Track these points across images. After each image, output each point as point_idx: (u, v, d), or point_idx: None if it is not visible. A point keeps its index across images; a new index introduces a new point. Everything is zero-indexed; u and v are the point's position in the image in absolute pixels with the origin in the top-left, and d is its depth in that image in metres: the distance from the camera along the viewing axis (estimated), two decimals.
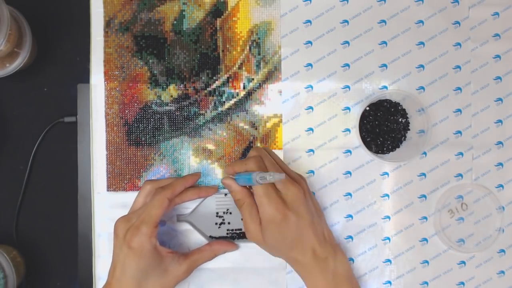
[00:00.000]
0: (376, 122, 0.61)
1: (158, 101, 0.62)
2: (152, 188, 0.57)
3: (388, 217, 0.63)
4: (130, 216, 0.55)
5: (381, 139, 0.62)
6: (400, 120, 0.62)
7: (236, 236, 0.62)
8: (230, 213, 0.61)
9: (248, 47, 0.63)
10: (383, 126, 0.61)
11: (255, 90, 0.63)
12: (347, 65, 0.63)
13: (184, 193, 0.57)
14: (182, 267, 0.55)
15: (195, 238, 0.62)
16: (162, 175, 0.62)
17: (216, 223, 0.61)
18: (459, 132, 0.63)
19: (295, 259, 0.55)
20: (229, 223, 0.61)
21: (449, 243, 0.62)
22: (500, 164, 0.63)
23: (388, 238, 0.63)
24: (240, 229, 0.62)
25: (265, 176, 0.49)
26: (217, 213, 0.61)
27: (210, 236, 0.61)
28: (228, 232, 0.62)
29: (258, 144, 0.62)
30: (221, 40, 0.63)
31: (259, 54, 0.63)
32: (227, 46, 0.63)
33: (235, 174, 0.56)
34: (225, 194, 0.61)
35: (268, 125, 0.63)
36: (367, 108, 0.61)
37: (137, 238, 0.52)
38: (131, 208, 0.57)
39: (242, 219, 0.56)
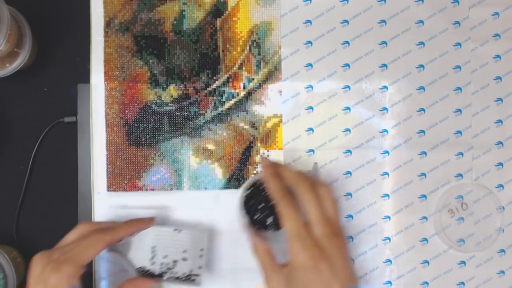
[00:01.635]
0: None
1: (158, 101, 0.62)
2: (87, 230, 0.51)
3: (388, 217, 0.63)
4: (53, 252, 0.49)
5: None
6: None
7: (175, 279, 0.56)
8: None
9: (248, 47, 0.63)
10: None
11: (255, 90, 0.63)
12: (347, 65, 0.63)
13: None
14: None
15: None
16: (162, 175, 0.62)
17: (152, 258, 0.55)
18: (459, 132, 0.63)
19: None
20: (165, 256, 0.55)
21: (449, 243, 0.62)
22: (500, 164, 0.63)
23: (388, 238, 0.63)
24: (186, 274, 0.56)
25: None
26: (154, 246, 0.55)
27: (139, 269, 0.55)
28: (162, 267, 0.55)
29: (258, 144, 0.62)
30: (221, 40, 0.63)
31: (259, 54, 0.63)
32: (227, 46, 0.63)
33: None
34: (175, 229, 0.56)
35: (268, 125, 0.63)
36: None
37: (57, 276, 0.46)
38: (56, 245, 0.51)
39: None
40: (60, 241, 0.52)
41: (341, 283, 0.46)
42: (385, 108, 0.63)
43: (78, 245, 0.49)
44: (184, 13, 0.62)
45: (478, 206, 0.63)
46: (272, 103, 0.63)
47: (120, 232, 0.52)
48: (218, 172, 0.62)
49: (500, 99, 0.64)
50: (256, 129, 0.63)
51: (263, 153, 0.62)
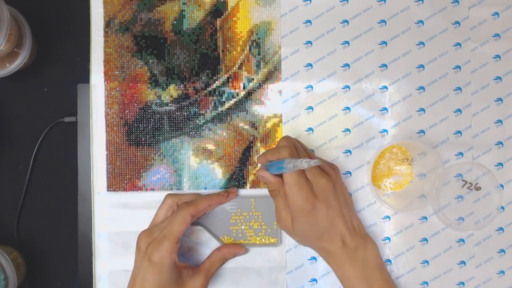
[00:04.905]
0: None
1: (158, 101, 0.62)
2: (173, 203, 0.57)
3: (388, 217, 0.63)
4: (153, 230, 0.55)
5: None
6: None
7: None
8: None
9: (248, 47, 0.63)
10: None
11: (255, 90, 0.63)
12: (347, 65, 0.63)
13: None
14: (197, 280, 0.55)
15: (207, 242, 0.62)
16: (162, 175, 0.62)
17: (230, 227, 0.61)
18: (459, 132, 0.63)
19: (324, 249, 0.55)
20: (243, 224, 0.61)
21: (447, 221, 0.62)
22: (500, 164, 0.63)
23: (388, 238, 0.63)
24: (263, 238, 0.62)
25: (298, 163, 0.49)
26: (231, 217, 0.61)
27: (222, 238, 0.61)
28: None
29: (258, 144, 0.62)
30: (221, 40, 0.63)
31: (259, 54, 0.63)
32: (227, 46, 0.63)
33: (267, 163, 0.55)
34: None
35: (268, 125, 0.63)
36: None
37: (158, 253, 0.52)
38: (152, 221, 0.57)
39: (275, 209, 0.56)
40: (154, 217, 0.57)
41: (344, 218, 0.54)
42: (385, 108, 0.63)
43: (170, 222, 0.54)
44: (184, 13, 0.62)
45: (478, 206, 0.63)
46: (272, 103, 0.63)
47: (202, 204, 0.57)
48: (218, 172, 0.62)
49: (500, 99, 0.64)
50: (256, 129, 0.63)
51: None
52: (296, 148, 0.55)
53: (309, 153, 0.57)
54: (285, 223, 0.55)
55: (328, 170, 0.56)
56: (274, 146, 0.61)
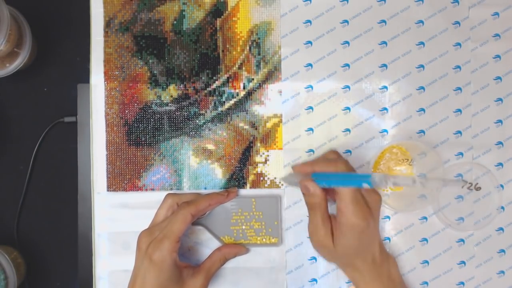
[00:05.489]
0: None
1: (158, 101, 0.62)
2: (174, 202, 0.57)
3: (388, 217, 0.63)
4: (153, 229, 0.55)
5: None
6: None
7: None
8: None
9: (248, 47, 0.63)
10: None
11: (255, 90, 0.63)
12: (347, 65, 0.63)
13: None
14: (198, 280, 0.55)
15: (207, 242, 0.62)
16: (162, 175, 0.62)
17: (231, 227, 0.61)
18: (459, 132, 0.63)
19: (355, 266, 0.54)
20: (243, 224, 0.61)
21: (447, 221, 0.62)
22: (500, 164, 0.63)
23: (388, 238, 0.63)
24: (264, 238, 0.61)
25: (409, 181, 0.45)
26: (232, 216, 0.61)
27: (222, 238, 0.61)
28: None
29: (258, 144, 0.62)
30: (221, 40, 0.63)
31: (259, 54, 0.63)
32: (227, 46, 0.63)
33: (311, 173, 0.53)
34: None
35: (268, 125, 0.63)
36: None
37: (159, 252, 0.52)
38: (152, 220, 0.58)
39: (310, 222, 0.54)
40: (154, 217, 0.57)
41: (378, 236, 0.55)
42: (385, 108, 0.63)
43: (171, 222, 0.54)
44: (184, 13, 0.62)
45: (478, 206, 0.63)
46: (272, 103, 0.63)
47: (202, 204, 0.57)
48: (218, 172, 0.62)
49: (500, 99, 0.64)
50: (256, 129, 0.63)
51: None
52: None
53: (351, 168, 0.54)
54: (323, 240, 0.52)
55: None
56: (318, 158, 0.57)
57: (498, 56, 0.64)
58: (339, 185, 0.51)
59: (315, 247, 0.55)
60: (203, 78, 0.62)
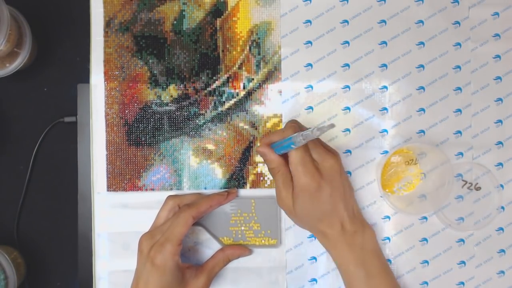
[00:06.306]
0: None
1: (158, 101, 0.62)
2: (175, 204, 0.58)
3: (388, 217, 0.63)
4: (154, 232, 0.55)
5: None
6: None
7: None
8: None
9: (248, 47, 0.63)
10: None
11: (255, 90, 0.63)
12: (347, 65, 0.63)
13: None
14: (200, 280, 0.56)
15: (207, 242, 0.62)
16: (162, 175, 0.62)
17: (230, 228, 0.61)
18: (459, 132, 0.63)
19: (323, 232, 0.55)
20: (242, 225, 0.61)
21: (447, 221, 0.61)
22: (500, 164, 0.63)
23: (388, 238, 0.63)
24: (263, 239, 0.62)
25: (309, 132, 0.47)
26: (231, 217, 0.61)
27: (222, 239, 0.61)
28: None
29: (258, 144, 0.62)
30: (221, 40, 0.63)
31: (259, 54, 0.63)
32: (227, 46, 0.63)
33: (270, 144, 0.54)
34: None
35: (268, 125, 0.63)
36: None
37: (161, 256, 0.52)
38: (153, 223, 0.58)
39: (275, 187, 0.55)
40: (156, 219, 0.58)
41: (345, 202, 0.54)
42: (385, 108, 0.63)
43: (172, 224, 0.54)
44: (184, 13, 0.62)
45: (478, 206, 0.63)
46: (272, 103, 0.63)
47: (203, 206, 0.57)
48: (218, 172, 0.62)
49: (500, 99, 0.64)
50: (256, 129, 0.63)
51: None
52: (301, 128, 0.54)
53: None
54: (285, 201, 0.54)
55: (334, 152, 0.55)
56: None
57: (498, 56, 0.64)
58: (283, 151, 0.52)
59: (284, 211, 0.56)
60: (203, 78, 0.62)
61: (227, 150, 0.63)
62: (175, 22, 0.62)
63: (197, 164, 0.62)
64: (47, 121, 0.62)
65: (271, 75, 0.63)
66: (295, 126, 0.53)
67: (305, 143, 0.49)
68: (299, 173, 0.52)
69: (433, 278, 0.63)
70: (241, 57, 0.63)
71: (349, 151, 0.63)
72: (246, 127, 0.63)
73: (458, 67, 0.63)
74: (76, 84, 0.62)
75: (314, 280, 0.62)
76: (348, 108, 0.63)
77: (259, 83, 0.63)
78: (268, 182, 0.62)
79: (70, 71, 0.63)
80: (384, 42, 0.63)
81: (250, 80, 0.63)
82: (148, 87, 0.62)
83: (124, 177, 0.62)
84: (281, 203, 0.55)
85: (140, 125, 0.62)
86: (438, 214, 0.62)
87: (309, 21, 0.63)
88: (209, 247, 0.61)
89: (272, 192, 0.62)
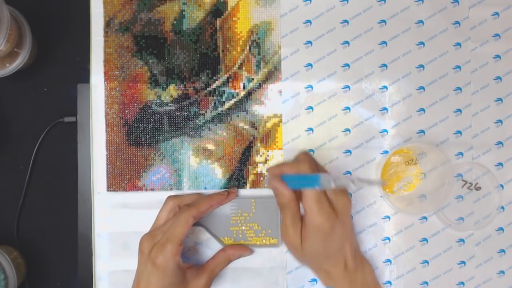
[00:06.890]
0: None
1: (158, 101, 0.62)
2: (175, 205, 0.57)
3: (388, 217, 0.63)
4: (155, 233, 0.54)
5: None
6: None
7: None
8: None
9: (248, 47, 0.63)
10: None
11: (255, 90, 0.63)
12: (347, 65, 0.63)
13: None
14: (201, 280, 0.56)
15: (207, 242, 0.62)
16: (162, 175, 0.62)
17: (231, 227, 0.61)
18: (459, 132, 0.63)
19: (326, 270, 0.54)
20: (243, 225, 0.61)
21: (447, 221, 0.62)
22: (500, 164, 0.63)
23: (388, 238, 0.63)
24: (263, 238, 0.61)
25: (343, 181, 0.46)
26: (231, 217, 0.61)
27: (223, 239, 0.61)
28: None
29: (258, 144, 0.62)
30: (221, 40, 0.63)
31: (259, 54, 0.63)
32: (227, 46, 0.63)
33: (281, 175, 0.52)
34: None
35: (268, 125, 0.63)
36: None
37: (162, 256, 0.52)
38: (154, 223, 0.57)
39: (281, 221, 0.53)
40: (156, 220, 0.57)
41: (350, 241, 0.54)
42: (385, 108, 0.63)
43: (173, 225, 0.54)
44: (184, 13, 0.62)
45: (478, 206, 0.63)
46: (272, 103, 0.63)
47: (203, 206, 0.56)
48: (218, 172, 0.62)
49: (500, 99, 0.64)
50: (256, 129, 0.63)
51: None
52: (316, 164, 0.52)
53: (324, 170, 0.54)
54: (292, 240, 0.52)
55: (344, 189, 0.53)
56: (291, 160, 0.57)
57: (498, 56, 0.64)
58: (298, 187, 0.50)
59: (288, 248, 0.54)
60: (203, 78, 0.62)
61: (227, 150, 0.63)
62: (175, 22, 0.62)
63: (197, 164, 0.62)
64: (47, 121, 0.62)
65: (271, 75, 0.63)
66: (310, 161, 0.51)
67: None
68: (314, 213, 0.50)
69: (433, 278, 0.63)
70: (241, 57, 0.63)
71: (349, 151, 0.63)
72: (246, 127, 0.63)
73: (458, 67, 0.63)
74: (76, 84, 0.62)
75: (314, 280, 0.62)
76: (348, 108, 0.63)
77: (259, 83, 0.63)
78: None
79: (70, 71, 0.63)
80: (384, 42, 0.63)
81: (250, 80, 0.63)
82: (148, 87, 0.62)
83: (124, 177, 0.62)
84: (287, 239, 0.53)
85: (140, 125, 0.62)
86: (438, 214, 0.62)
87: (309, 21, 0.63)
88: (210, 247, 0.61)
89: (272, 191, 0.62)
